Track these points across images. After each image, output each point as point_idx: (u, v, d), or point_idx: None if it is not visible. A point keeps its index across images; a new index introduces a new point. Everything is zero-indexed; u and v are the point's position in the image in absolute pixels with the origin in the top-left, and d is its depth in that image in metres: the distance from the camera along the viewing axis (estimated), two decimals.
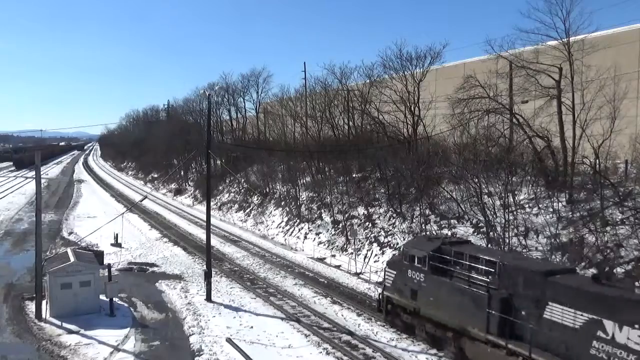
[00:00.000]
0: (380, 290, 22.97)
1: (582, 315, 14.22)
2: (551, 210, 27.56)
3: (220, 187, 64.61)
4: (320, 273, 31.48)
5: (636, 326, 13.01)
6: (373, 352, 19.46)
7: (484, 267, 17.67)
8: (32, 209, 52.15)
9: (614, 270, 21.35)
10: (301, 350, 19.54)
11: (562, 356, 14.50)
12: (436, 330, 19.42)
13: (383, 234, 34.31)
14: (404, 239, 31.39)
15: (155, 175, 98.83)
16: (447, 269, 19.03)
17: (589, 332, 13.97)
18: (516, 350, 15.82)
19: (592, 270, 21.64)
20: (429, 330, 19.76)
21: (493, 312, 16.65)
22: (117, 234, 38.48)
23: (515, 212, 28.04)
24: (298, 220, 43.86)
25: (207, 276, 26.10)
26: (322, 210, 42.75)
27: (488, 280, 17.25)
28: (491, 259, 17.59)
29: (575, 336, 14.31)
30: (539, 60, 29.97)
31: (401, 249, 23.27)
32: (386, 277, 22.30)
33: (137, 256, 36.26)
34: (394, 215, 35.78)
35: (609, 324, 13.53)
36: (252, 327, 22.06)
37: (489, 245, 26.39)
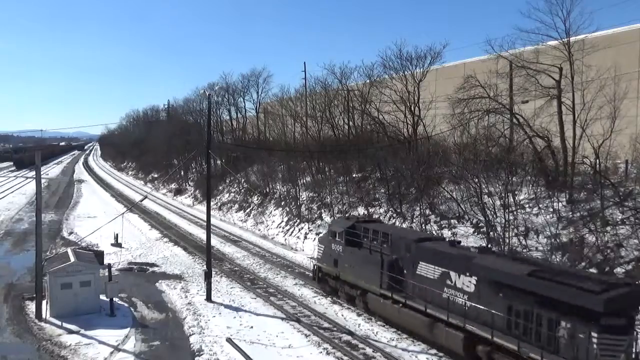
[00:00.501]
0: (315, 262, 27.47)
1: (438, 269, 19.26)
2: (551, 210, 27.56)
3: (220, 187, 64.59)
4: None
5: (467, 274, 17.99)
6: (373, 352, 19.47)
7: (381, 239, 22.44)
8: (32, 208, 52.14)
9: (614, 271, 21.42)
10: (301, 350, 19.55)
11: (427, 301, 19.41)
12: (350, 291, 24.18)
13: None
14: None
15: (156, 175, 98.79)
16: (357, 241, 23.72)
17: (442, 281, 19.03)
18: (398, 299, 20.82)
19: (593, 270, 21.69)
20: (347, 291, 24.50)
21: (385, 272, 21.54)
22: (117, 234, 38.45)
23: (515, 212, 28.03)
24: (298, 220, 43.84)
25: (207, 276, 26.10)
26: (322, 210, 42.75)
27: (382, 248, 22.09)
28: (386, 232, 22.51)
29: (434, 285, 19.28)
30: (539, 60, 29.96)
31: (328, 228, 28.32)
32: (318, 250, 27.09)
33: (137, 256, 36.26)
34: (394, 215, 35.79)
35: (453, 274, 18.64)
36: (252, 327, 22.06)
37: (489, 245, 26.38)
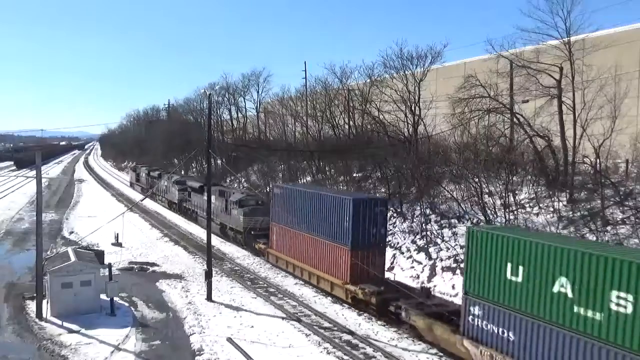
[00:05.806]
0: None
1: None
2: (552, 209, 27.57)
3: None
4: None
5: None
6: (374, 351, 19.48)
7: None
8: (33, 208, 52.04)
9: None
10: (302, 350, 19.56)
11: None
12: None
13: None
14: (404, 239, 31.55)
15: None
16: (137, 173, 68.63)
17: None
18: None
19: None
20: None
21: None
22: (117, 234, 38.42)
23: (515, 212, 28.05)
24: None
25: (208, 276, 26.09)
26: None
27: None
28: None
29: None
30: (540, 60, 29.96)
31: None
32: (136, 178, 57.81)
33: (137, 255, 36.24)
34: (395, 214, 35.78)
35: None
36: (252, 326, 22.08)
37: None
